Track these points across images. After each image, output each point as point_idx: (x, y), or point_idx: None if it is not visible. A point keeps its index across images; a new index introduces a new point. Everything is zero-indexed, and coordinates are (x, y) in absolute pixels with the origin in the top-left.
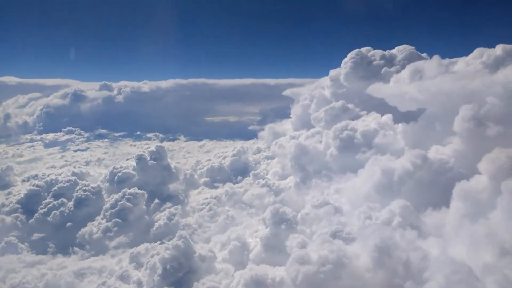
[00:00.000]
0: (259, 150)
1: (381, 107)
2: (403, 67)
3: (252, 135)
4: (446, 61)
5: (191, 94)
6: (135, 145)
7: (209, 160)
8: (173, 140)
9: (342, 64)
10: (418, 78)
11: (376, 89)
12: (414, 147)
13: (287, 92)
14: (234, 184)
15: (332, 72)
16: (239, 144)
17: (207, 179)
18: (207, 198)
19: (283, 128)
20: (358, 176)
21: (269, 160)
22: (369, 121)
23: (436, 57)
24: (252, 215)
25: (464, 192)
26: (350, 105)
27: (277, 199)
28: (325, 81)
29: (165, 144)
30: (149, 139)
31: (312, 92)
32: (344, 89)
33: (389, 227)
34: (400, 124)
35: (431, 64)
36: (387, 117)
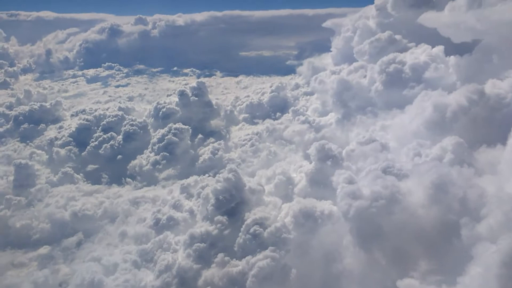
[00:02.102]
0: (297, 86)
1: (432, 38)
2: None
3: (289, 70)
4: None
5: (226, 27)
6: (173, 81)
7: (248, 96)
8: (210, 76)
9: None
10: (476, 6)
11: (429, 18)
12: (468, 81)
13: (328, 23)
14: (274, 120)
15: (378, 1)
16: (276, 80)
17: (246, 115)
18: (248, 134)
19: (323, 63)
20: (406, 112)
21: (308, 96)
22: (419, 53)
23: None
24: (293, 151)
25: None
26: (397, 37)
27: (318, 136)
28: (370, 10)
29: (203, 80)
30: (186, 74)
31: (355, 23)
32: (391, 18)
33: (442, 163)
34: (452, 57)
35: None
36: (438, 49)
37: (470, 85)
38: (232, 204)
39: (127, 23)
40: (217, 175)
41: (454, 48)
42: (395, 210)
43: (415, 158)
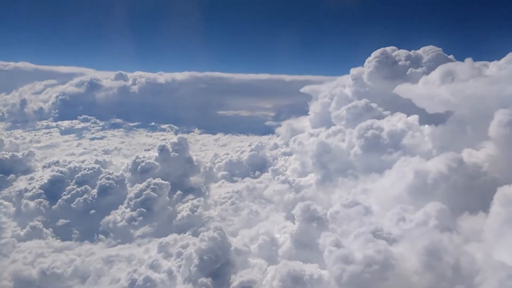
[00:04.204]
0: (276, 146)
1: (405, 108)
2: (429, 68)
3: (265, 131)
4: (478, 64)
5: (206, 87)
6: (150, 136)
7: (227, 154)
8: (188, 132)
9: (365, 63)
10: (449, 80)
11: (404, 90)
12: (444, 149)
13: (305, 89)
14: (253, 178)
15: (354, 71)
16: (253, 139)
17: (225, 172)
18: (228, 192)
19: (301, 125)
20: (385, 176)
21: (287, 157)
22: (395, 121)
23: (468, 60)
24: (274, 210)
25: (506, 197)
26: (373, 104)
27: (298, 196)
28: (346, 79)
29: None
30: (164, 130)
31: (332, 90)
32: (366, 88)
33: (434, 230)
34: (427, 126)
35: (464, 67)
36: (413, 118)
37: (449, 153)
38: (217, 265)
39: (107, 78)
40: (202, 233)
41: (428, 118)
42: (389, 275)
43: (399, 223)
